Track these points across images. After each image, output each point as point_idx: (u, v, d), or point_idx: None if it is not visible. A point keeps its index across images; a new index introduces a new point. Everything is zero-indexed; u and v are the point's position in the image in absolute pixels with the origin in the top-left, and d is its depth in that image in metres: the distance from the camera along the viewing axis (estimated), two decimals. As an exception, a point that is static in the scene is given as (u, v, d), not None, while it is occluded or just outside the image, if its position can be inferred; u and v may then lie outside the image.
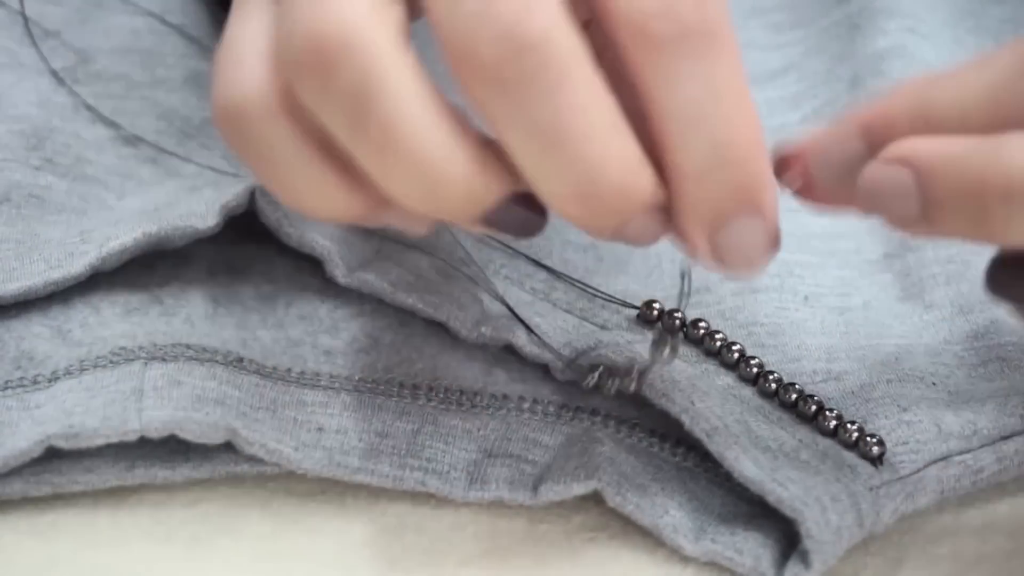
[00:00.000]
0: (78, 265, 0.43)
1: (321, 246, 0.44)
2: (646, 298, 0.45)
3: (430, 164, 0.33)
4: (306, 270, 0.46)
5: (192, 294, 0.44)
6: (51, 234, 0.46)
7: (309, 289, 0.45)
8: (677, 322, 0.44)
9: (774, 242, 0.36)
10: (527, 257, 0.46)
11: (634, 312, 0.45)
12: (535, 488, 0.41)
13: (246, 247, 0.46)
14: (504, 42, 0.32)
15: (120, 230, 0.44)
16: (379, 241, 0.46)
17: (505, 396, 0.43)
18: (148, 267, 0.45)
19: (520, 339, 0.43)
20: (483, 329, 0.43)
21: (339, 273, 0.44)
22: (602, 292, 0.45)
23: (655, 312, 0.45)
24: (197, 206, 0.44)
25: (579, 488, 0.40)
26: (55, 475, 0.40)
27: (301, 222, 0.44)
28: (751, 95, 0.34)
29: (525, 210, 0.35)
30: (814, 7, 0.58)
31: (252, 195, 0.44)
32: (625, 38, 0.33)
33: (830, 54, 0.56)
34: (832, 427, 0.41)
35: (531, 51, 0.32)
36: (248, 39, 0.35)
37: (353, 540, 0.40)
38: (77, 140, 0.50)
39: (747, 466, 0.39)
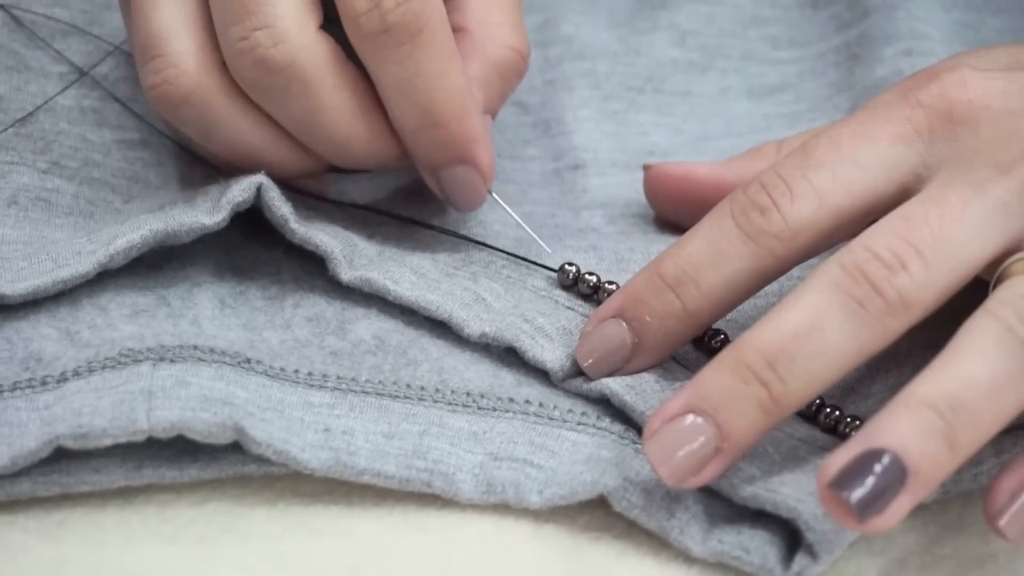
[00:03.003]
0: (86, 263, 0.44)
1: (325, 244, 0.44)
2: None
3: (265, 161, 0.46)
4: (313, 272, 0.46)
5: (199, 296, 0.45)
6: (58, 238, 0.47)
7: (316, 291, 0.45)
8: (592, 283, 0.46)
9: (485, 182, 0.47)
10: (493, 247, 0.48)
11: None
12: (541, 492, 0.41)
13: (253, 249, 0.47)
14: (259, 65, 0.44)
15: (127, 228, 0.44)
16: (382, 243, 0.46)
17: (511, 399, 0.43)
18: (155, 269, 0.45)
19: (524, 343, 0.43)
20: (486, 329, 0.43)
21: (342, 271, 0.44)
22: (519, 256, 0.47)
23: (570, 276, 0.46)
24: (203, 202, 0.45)
25: (585, 493, 0.40)
26: (63, 475, 0.40)
27: (306, 220, 0.44)
28: (458, 73, 0.45)
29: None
30: (813, 28, 0.59)
31: (258, 191, 0.44)
32: (348, 32, 0.44)
33: (827, 81, 0.57)
34: (832, 423, 0.42)
35: (279, 72, 0.44)
36: (182, 30, 0.45)
37: (359, 540, 0.41)
38: (84, 143, 0.50)
39: (741, 488, 0.40)
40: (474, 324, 0.44)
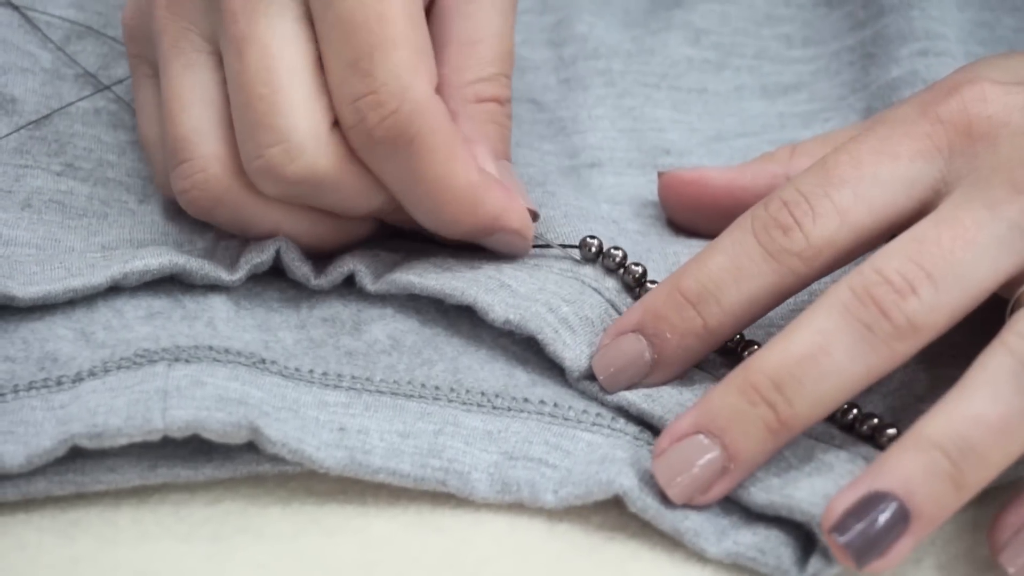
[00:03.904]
0: (99, 276, 0.44)
1: (347, 267, 0.45)
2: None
3: (304, 242, 0.46)
4: None
5: (214, 298, 0.45)
6: (72, 241, 0.47)
7: (331, 293, 0.46)
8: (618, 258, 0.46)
9: (524, 239, 0.46)
10: None
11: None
12: (555, 492, 0.41)
13: None
14: (279, 182, 0.43)
15: (148, 252, 0.45)
16: (407, 253, 0.46)
17: (526, 399, 0.43)
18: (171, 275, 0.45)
19: (546, 335, 0.43)
20: (511, 315, 0.43)
21: (367, 284, 0.45)
22: (543, 242, 0.47)
23: (592, 249, 0.46)
24: (223, 256, 0.46)
25: (600, 493, 0.40)
26: (78, 474, 0.41)
27: (323, 272, 0.45)
28: (462, 171, 0.43)
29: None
30: (827, 27, 0.58)
31: (277, 253, 0.45)
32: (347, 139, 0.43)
33: (842, 81, 0.56)
34: (850, 421, 0.42)
35: (299, 184, 0.43)
36: (210, 134, 0.45)
37: (373, 539, 0.41)
38: (99, 144, 0.50)
39: (757, 496, 0.40)
40: (499, 309, 0.43)
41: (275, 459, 0.41)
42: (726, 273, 0.41)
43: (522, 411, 0.43)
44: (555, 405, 0.43)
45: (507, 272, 0.45)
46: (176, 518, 0.41)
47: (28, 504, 0.41)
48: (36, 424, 0.40)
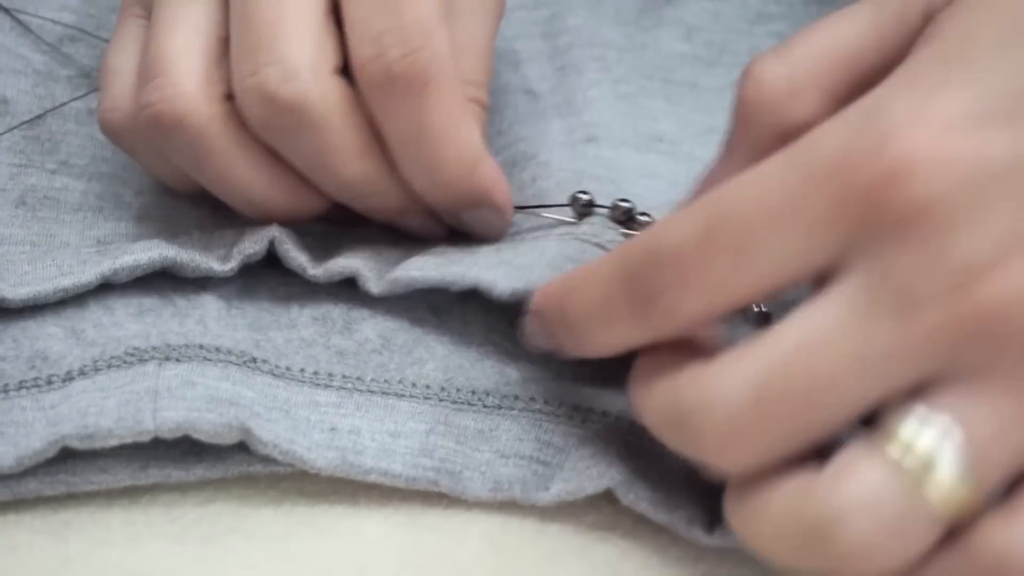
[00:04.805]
0: (89, 274, 0.43)
1: (348, 267, 0.44)
2: None
3: (256, 201, 0.44)
4: None
5: (205, 296, 0.45)
6: (67, 236, 0.47)
7: (322, 291, 0.45)
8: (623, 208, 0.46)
9: (505, 219, 0.45)
10: None
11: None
12: (548, 488, 0.41)
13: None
14: (267, 103, 0.41)
15: (138, 247, 0.44)
16: (407, 248, 0.46)
17: (516, 396, 0.43)
18: (161, 270, 0.45)
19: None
20: (517, 285, 0.42)
21: (372, 286, 0.44)
22: (538, 206, 0.47)
23: (582, 204, 0.46)
24: (218, 248, 0.45)
25: (591, 487, 0.40)
26: (69, 475, 0.40)
27: (325, 254, 0.45)
28: (466, 127, 0.43)
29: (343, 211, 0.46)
30: None
31: (271, 243, 0.44)
32: (355, 80, 0.42)
33: None
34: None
35: (287, 111, 0.41)
36: (122, 72, 0.45)
37: (365, 539, 0.41)
38: (92, 142, 0.50)
39: None
40: (504, 283, 0.42)
41: (267, 460, 0.41)
42: (594, 311, 0.38)
43: (512, 408, 0.43)
44: (545, 402, 0.43)
45: (505, 249, 0.45)
46: (167, 519, 0.41)
47: (19, 505, 0.41)
48: (26, 425, 0.40)
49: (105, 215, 0.48)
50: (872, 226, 0.33)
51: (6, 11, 0.53)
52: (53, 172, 0.49)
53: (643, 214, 0.46)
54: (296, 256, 0.44)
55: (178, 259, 0.44)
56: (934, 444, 0.33)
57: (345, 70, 0.43)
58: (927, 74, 0.34)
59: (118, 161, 0.50)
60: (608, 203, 0.47)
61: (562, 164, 0.49)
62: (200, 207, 0.48)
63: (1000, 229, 0.33)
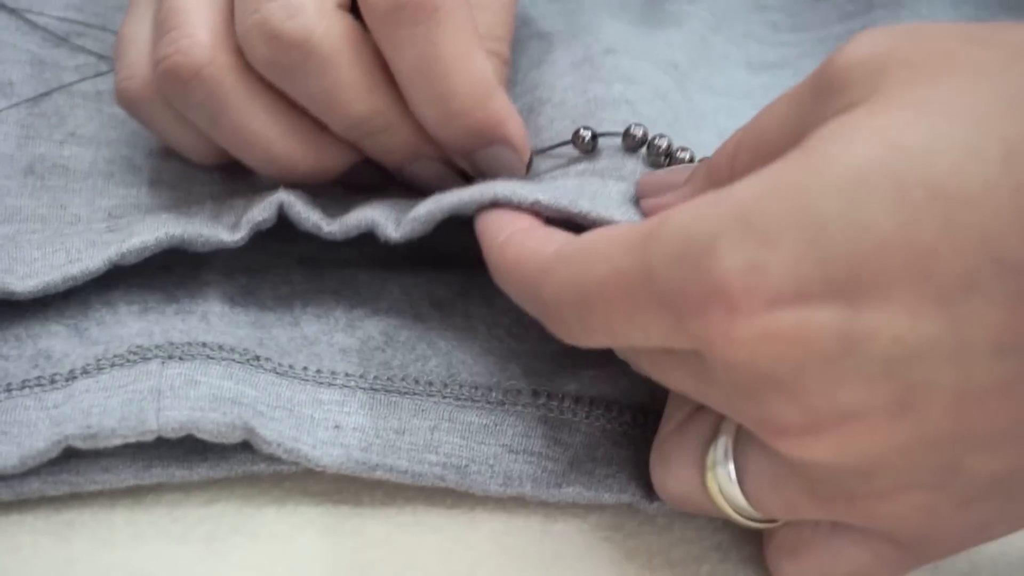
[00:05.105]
0: (97, 259, 0.43)
1: (364, 218, 0.42)
2: None
3: (274, 156, 0.44)
4: (323, 273, 0.46)
5: (209, 294, 0.44)
6: (77, 207, 0.46)
7: (325, 290, 0.45)
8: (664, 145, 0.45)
9: (521, 157, 0.44)
10: None
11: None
12: (559, 486, 0.41)
13: (264, 253, 0.46)
14: (272, 40, 0.41)
15: (145, 227, 0.43)
16: (420, 195, 0.44)
17: (520, 391, 0.43)
18: (165, 268, 0.45)
19: (583, 205, 0.41)
20: (539, 196, 0.41)
21: (391, 232, 0.42)
22: (551, 147, 0.46)
23: (586, 140, 0.45)
24: (227, 216, 0.44)
25: (610, 498, 0.41)
26: (72, 475, 0.40)
27: (336, 217, 0.43)
28: (479, 55, 0.42)
29: (372, 169, 0.46)
30: (815, 17, 0.58)
31: (280, 208, 0.43)
32: (363, 12, 0.41)
33: None
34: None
35: (293, 48, 0.41)
36: (138, 40, 0.45)
37: (369, 539, 0.40)
38: (100, 114, 0.50)
39: None
40: (524, 191, 0.41)
41: (270, 459, 0.41)
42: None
43: (516, 404, 0.43)
44: (548, 396, 0.43)
45: (526, 184, 0.43)
46: (171, 518, 0.41)
47: (22, 505, 0.41)
48: (30, 424, 0.40)
49: (116, 180, 0.48)
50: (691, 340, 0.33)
51: (11, 11, 0.53)
52: (61, 142, 0.49)
53: (684, 149, 0.45)
54: (308, 215, 0.43)
55: (186, 235, 0.43)
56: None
57: (351, 9, 0.42)
58: (767, 222, 0.32)
59: (128, 127, 0.49)
60: (623, 130, 0.46)
61: (576, 101, 0.48)
62: (212, 171, 0.48)
63: (808, 403, 0.32)
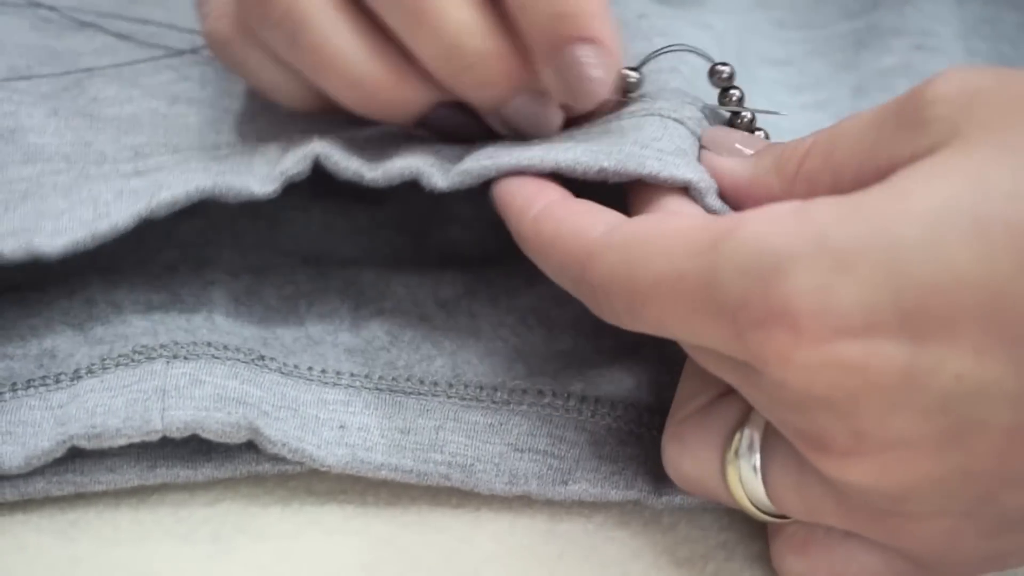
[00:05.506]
0: (125, 215, 0.40)
1: (408, 167, 0.41)
2: None
3: (355, 78, 0.41)
4: (327, 273, 0.46)
5: (213, 293, 0.44)
6: (102, 143, 0.46)
7: (330, 290, 0.45)
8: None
9: (612, 64, 0.40)
10: None
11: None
12: (566, 484, 0.41)
13: (268, 252, 0.46)
14: (256, 8, 0.40)
15: (174, 178, 0.41)
16: (468, 146, 0.43)
17: (524, 391, 0.43)
18: (170, 268, 0.45)
19: (653, 166, 0.40)
20: (604, 163, 0.40)
21: (437, 180, 0.41)
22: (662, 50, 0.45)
23: (722, 75, 0.44)
24: (261, 165, 0.42)
25: (617, 496, 0.40)
26: (77, 475, 0.40)
27: (378, 163, 0.41)
28: None
29: (455, 114, 0.42)
30: (820, 15, 0.58)
31: (315, 160, 0.41)
32: None
33: (832, 60, 0.56)
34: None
35: (280, 16, 0.40)
36: None
37: (374, 539, 0.40)
38: (120, 79, 0.49)
39: None
40: (587, 158, 0.40)
41: (275, 459, 0.41)
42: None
43: (521, 403, 0.43)
44: (553, 395, 0.43)
45: (578, 134, 0.42)
46: (176, 518, 0.41)
47: (27, 505, 0.40)
48: (34, 424, 0.40)
49: (142, 121, 0.47)
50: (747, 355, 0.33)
51: (49, 8, 0.53)
52: (84, 105, 0.48)
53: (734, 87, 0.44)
54: (348, 164, 0.41)
55: (216, 189, 0.40)
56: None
57: None
58: (845, 247, 0.32)
59: (150, 86, 0.49)
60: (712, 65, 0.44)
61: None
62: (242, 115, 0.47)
63: (858, 427, 0.32)
